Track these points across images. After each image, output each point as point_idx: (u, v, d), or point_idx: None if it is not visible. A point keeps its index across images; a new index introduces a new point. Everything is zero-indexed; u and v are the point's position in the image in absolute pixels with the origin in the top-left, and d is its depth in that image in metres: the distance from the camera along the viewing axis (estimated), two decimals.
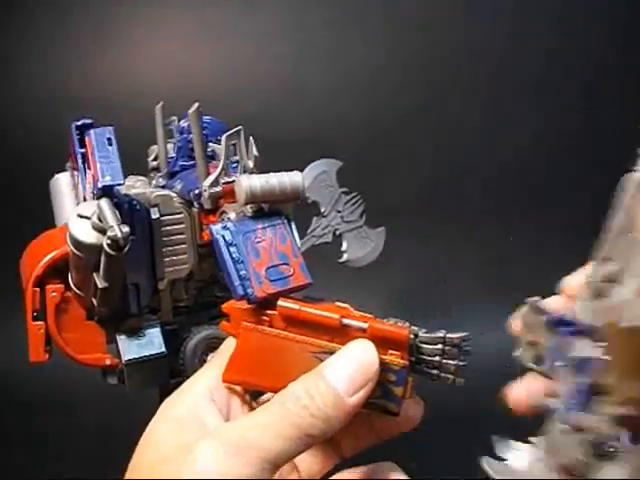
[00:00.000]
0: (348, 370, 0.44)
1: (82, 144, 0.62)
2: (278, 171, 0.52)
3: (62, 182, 0.66)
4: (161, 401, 0.65)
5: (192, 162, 0.62)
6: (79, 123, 0.62)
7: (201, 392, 0.48)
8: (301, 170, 0.54)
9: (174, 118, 0.67)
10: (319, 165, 0.57)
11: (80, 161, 0.62)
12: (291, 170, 0.53)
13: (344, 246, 0.59)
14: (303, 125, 1.31)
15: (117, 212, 0.52)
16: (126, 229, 0.51)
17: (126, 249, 0.51)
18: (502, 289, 1.15)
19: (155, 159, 0.67)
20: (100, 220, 0.52)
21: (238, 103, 1.26)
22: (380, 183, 1.21)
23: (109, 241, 0.51)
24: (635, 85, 1.31)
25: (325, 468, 0.52)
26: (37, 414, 1.08)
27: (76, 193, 0.65)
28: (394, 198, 1.21)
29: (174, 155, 0.66)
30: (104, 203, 0.52)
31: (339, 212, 0.58)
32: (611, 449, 0.40)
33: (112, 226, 0.51)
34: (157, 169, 0.66)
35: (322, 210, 0.56)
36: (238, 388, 0.49)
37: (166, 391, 0.63)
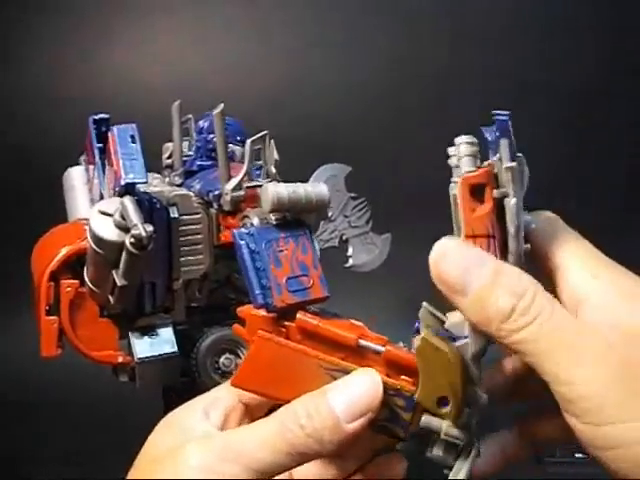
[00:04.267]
0: (351, 397, 0.44)
1: (99, 139, 0.62)
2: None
3: (75, 176, 0.66)
4: (165, 400, 0.65)
5: (210, 162, 0.63)
6: (97, 117, 0.62)
7: (196, 410, 0.49)
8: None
9: (190, 116, 0.67)
10: (328, 169, 0.57)
11: (97, 156, 0.61)
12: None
13: (350, 251, 0.59)
14: (306, 124, 1.30)
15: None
16: (150, 228, 0.51)
17: (149, 248, 0.51)
18: None
19: (169, 157, 0.66)
20: (123, 218, 0.51)
21: (241, 101, 1.24)
22: (382, 184, 1.20)
23: (132, 239, 0.50)
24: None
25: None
26: (39, 412, 1.07)
27: (90, 187, 0.64)
28: (395, 199, 1.20)
29: (189, 153, 0.66)
30: (128, 201, 0.51)
31: (346, 217, 0.59)
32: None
33: (136, 224, 0.50)
34: (171, 167, 0.66)
35: (330, 214, 0.57)
36: (236, 407, 0.50)
37: (171, 392, 0.64)
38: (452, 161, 0.45)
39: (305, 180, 0.53)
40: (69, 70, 1.36)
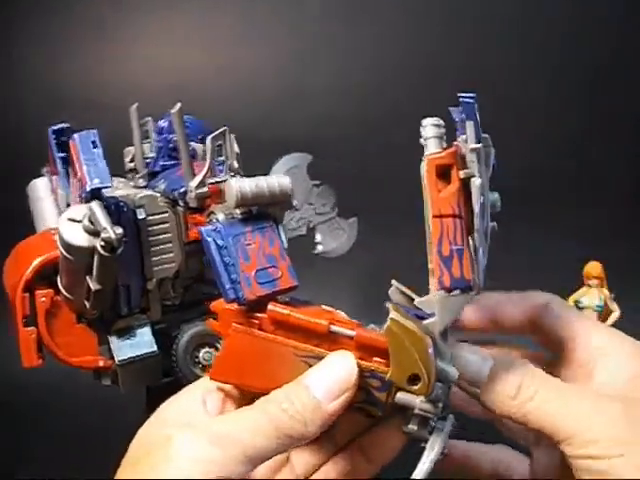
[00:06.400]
0: (327, 379, 0.46)
1: (61, 148, 0.63)
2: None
3: (39, 187, 0.66)
4: (148, 400, 0.66)
5: (173, 162, 0.63)
6: (56, 127, 0.63)
7: (194, 397, 0.50)
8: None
9: (149, 119, 0.67)
10: (290, 159, 0.58)
11: (60, 165, 0.62)
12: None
13: (318, 238, 0.60)
14: (301, 126, 1.30)
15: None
16: (119, 230, 0.51)
17: (120, 250, 0.52)
18: None
19: (132, 160, 0.67)
20: (91, 223, 0.52)
21: (236, 104, 1.25)
22: (379, 183, 1.22)
23: (103, 243, 0.51)
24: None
25: (321, 460, 0.54)
26: (27, 416, 1.07)
27: (55, 197, 0.65)
28: (395, 197, 1.19)
29: (150, 156, 0.67)
30: (95, 205, 0.52)
31: (311, 205, 0.60)
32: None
33: (105, 228, 0.51)
34: (134, 170, 0.67)
35: (294, 204, 0.57)
36: (232, 394, 0.51)
37: (154, 391, 0.64)
38: (422, 140, 0.46)
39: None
40: (55, 72, 1.36)
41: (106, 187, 0.54)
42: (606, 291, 0.90)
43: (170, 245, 0.60)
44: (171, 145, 0.63)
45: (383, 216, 1.15)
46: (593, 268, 0.90)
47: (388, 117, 1.28)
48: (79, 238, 0.52)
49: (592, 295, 0.90)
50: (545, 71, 1.29)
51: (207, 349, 0.61)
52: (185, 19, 1.37)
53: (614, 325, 0.89)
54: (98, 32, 1.34)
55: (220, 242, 0.48)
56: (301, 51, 1.36)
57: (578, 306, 0.91)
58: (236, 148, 0.59)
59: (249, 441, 0.44)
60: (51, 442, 1.01)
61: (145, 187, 0.63)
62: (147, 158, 0.66)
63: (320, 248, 0.61)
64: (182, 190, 0.58)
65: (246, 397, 0.51)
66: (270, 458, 0.46)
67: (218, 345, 0.61)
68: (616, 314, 0.90)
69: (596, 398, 0.48)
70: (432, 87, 1.26)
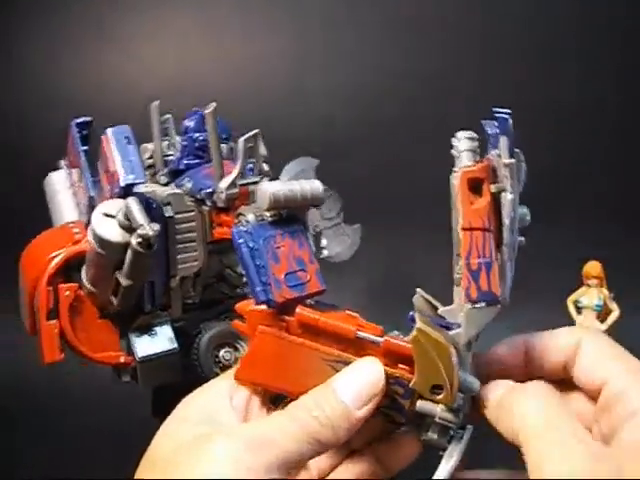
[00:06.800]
0: (356, 386, 0.47)
1: (84, 141, 0.62)
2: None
3: (57, 180, 0.65)
4: (154, 402, 0.66)
5: (197, 160, 0.63)
6: (79, 120, 0.62)
7: (220, 393, 0.50)
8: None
9: (169, 116, 0.67)
10: (297, 163, 0.58)
11: (83, 158, 0.61)
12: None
13: (323, 242, 0.61)
14: (305, 128, 1.30)
15: None
16: (157, 227, 0.51)
17: (155, 247, 0.52)
18: None
19: (150, 157, 0.67)
20: (126, 218, 0.52)
21: (238, 103, 1.23)
22: (384, 185, 1.22)
23: (140, 239, 0.51)
24: None
25: (335, 462, 0.55)
26: (27, 416, 1.05)
27: (74, 191, 0.64)
28: (402, 199, 1.21)
29: (168, 153, 0.66)
30: (132, 201, 0.52)
31: (318, 209, 0.61)
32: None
33: (142, 224, 0.51)
34: (152, 167, 0.66)
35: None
36: (259, 391, 0.51)
37: (159, 392, 0.64)
38: (454, 152, 0.47)
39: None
40: (61, 70, 1.34)
41: (140, 183, 0.54)
42: (605, 291, 0.91)
43: (194, 244, 0.60)
44: (196, 144, 0.63)
45: (387, 217, 1.16)
46: (593, 268, 0.91)
47: (393, 119, 1.29)
48: (113, 233, 0.52)
49: (591, 295, 0.91)
50: (546, 72, 1.30)
51: (227, 349, 0.61)
52: (186, 18, 1.36)
53: (614, 324, 0.90)
54: (97, 32, 1.33)
55: (251, 244, 0.49)
56: (305, 52, 1.36)
57: (577, 306, 0.92)
58: (264, 151, 0.60)
59: (285, 447, 0.44)
60: (50, 442, 0.99)
61: (167, 185, 0.63)
62: (165, 156, 0.66)
63: (325, 253, 0.61)
64: (209, 190, 0.58)
65: (271, 393, 0.52)
66: (301, 465, 0.47)
67: (238, 345, 0.61)
68: (615, 314, 0.91)
69: (577, 445, 0.43)
70: (437, 89, 1.29)
